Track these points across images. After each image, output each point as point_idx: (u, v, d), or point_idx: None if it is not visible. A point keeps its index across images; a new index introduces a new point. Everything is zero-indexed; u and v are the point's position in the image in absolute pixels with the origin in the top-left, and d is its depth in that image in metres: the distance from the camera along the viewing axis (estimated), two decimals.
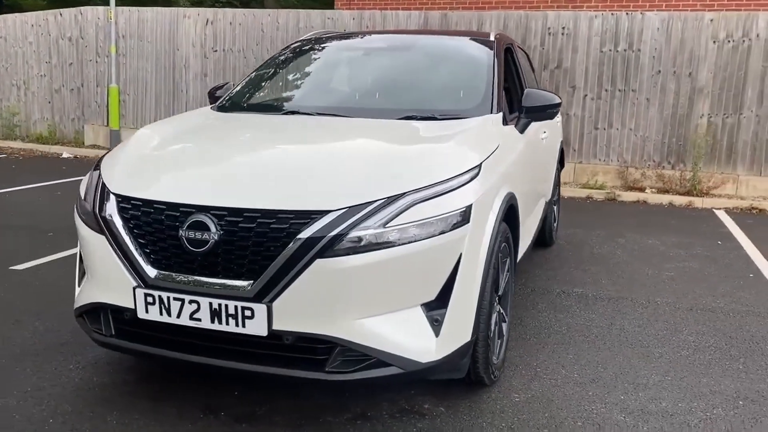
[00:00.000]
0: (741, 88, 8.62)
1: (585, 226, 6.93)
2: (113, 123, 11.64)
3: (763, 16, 8.47)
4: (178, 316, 2.56)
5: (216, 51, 10.97)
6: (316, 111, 3.55)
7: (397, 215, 2.48)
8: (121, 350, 2.89)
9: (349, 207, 2.46)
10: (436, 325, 2.58)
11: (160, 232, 2.59)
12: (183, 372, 3.24)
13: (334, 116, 3.48)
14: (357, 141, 3.10)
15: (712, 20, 8.63)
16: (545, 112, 3.73)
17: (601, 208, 8.26)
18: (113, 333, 2.80)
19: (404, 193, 2.53)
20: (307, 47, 4.39)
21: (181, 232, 2.53)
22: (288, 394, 3.04)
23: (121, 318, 2.76)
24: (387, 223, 2.46)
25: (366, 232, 2.44)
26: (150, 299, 2.59)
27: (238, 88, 4.11)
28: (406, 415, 2.89)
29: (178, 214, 2.56)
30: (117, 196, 2.72)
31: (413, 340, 2.55)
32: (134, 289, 2.61)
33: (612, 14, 9.02)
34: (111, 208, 2.70)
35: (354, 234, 2.43)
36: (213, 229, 2.49)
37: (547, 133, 4.77)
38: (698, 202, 8.41)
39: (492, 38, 4.21)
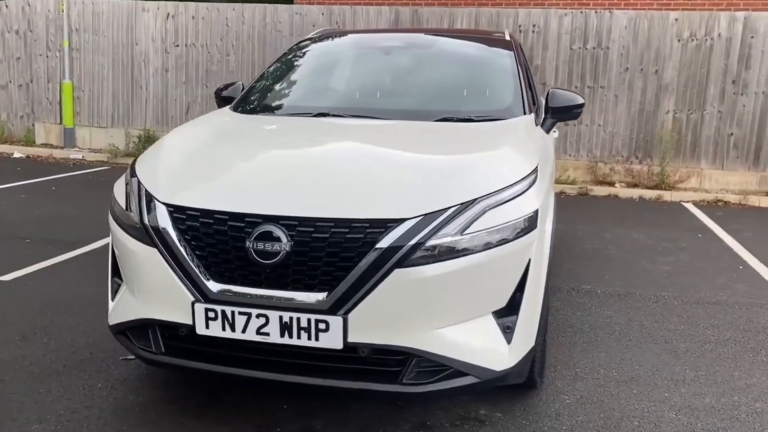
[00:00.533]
0: (704, 85, 8.93)
1: (567, 221, 7.03)
2: (67, 121, 11.13)
3: (724, 16, 8.80)
4: (243, 331, 2.45)
5: (178, 46, 10.61)
6: (349, 113, 3.46)
7: (472, 222, 2.43)
8: (171, 368, 2.74)
9: (425, 214, 2.40)
10: (508, 332, 2.55)
11: (222, 243, 2.46)
12: (221, 387, 3.10)
13: (370, 118, 3.40)
14: (410, 144, 3.03)
15: (676, 20, 8.91)
16: (571, 112, 3.75)
17: (575, 202, 8.42)
18: (163, 350, 2.65)
19: (475, 199, 2.49)
20: (320, 46, 4.28)
21: (247, 243, 2.41)
22: (338, 406, 2.96)
23: (173, 335, 2.62)
24: (464, 230, 2.41)
25: (444, 240, 2.38)
26: (211, 314, 2.46)
27: (255, 88, 3.96)
28: (467, 423, 2.86)
29: (243, 224, 2.43)
30: (169, 206, 2.57)
31: (487, 348, 2.51)
32: (193, 304, 2.47)
33: (581, 12, 9.20)
34: (163, 220, 2.54)
35: (433, 242, 2.37)
36: (284, 239, 2.38)
37: (556, 132, 4.81)
38: (667, 196, 8.69)
39: (508, 38, 4.20)
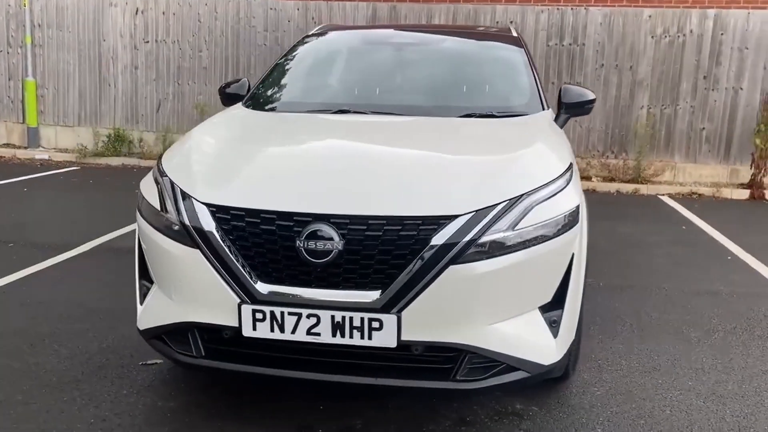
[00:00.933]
0: (677, 80, 9.16)
1: None
2: (31, 120, 10.74)
3: (695, 13, 9.03)
4: (293, 331, 2.40)
5: (148, 42, 10.35)
6: (370, 110, 3.42)
7: (522, 218, 2.44)
8: (209, 371, 2.67)
9: (476, 210, 2.40)
10: (554, 326, 2.57)
11: (270, 243, 2.41)
12: (252, 389, 3.04)
13: (393, 115, 3.37)
14: (445, 140, 3.02)
15: (650, 16, 9.11)
16: (584, 107, 3.80)
17: None
18: (203, 354, 2.58)
19: (521, 195, 2.49)
20: (327, 42, 4.23)
21: (297, 242, 2.36)
22: (375, 406, 2.93)
23: (213, 337, 2.56)
24: (515, 225, 2.42)
25: (496, 236, 2.38)
26: (259, 315, 2.41)
27: (266, 86, 3.88)
28: (506, 418, 2.87)
29: (292, 223, 2.39)
30: (210, 206, 2.50)
31: (536, 342, 2.52)
32: (239, 305, 2.41)
33: (557, 9, 9.32)
34: (205, 220, 2.47)
35: (486, 238, 2.36)
36: (336, 238, 2.34)
37: None
38: (643, 189, 8.88)
39: (515, 34, 4.23)
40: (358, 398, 2.96)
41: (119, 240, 5.57)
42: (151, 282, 2.80)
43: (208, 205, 2.50)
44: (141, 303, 2.85)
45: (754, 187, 8.71)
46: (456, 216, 2.37)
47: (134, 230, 5.79)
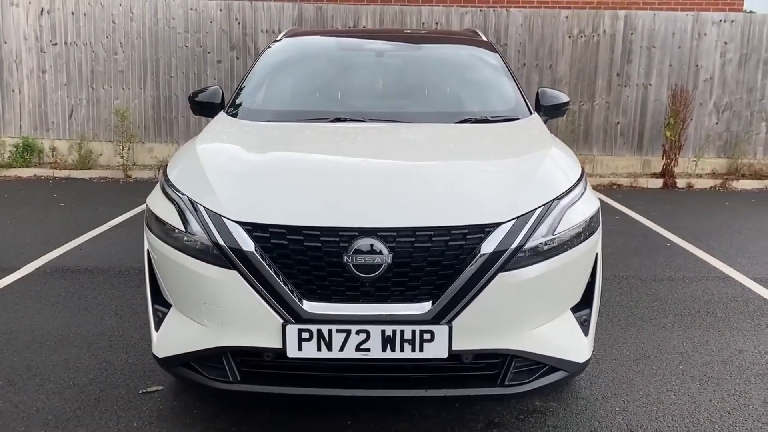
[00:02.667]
0: (593, 78, 9.67)
1: None
2: None
3: (608, 14, 9.56)
4: (341, 349, 2.36)
5: (56, 44, 9.69)
6: (368, 117, 3.38)
7: (559, 222, 2.51)
8: (246, 396, 2.58)
9: (518, 217, 2.44)
10: (585, 325, 2.67)
11: (315, 260, 2.34)
12: (272, 407, 2.95)
13: (392, 122, 3.35)
14: (462, 147, 3.04)
15: (567, 17, 9.55)
16: (560, 110, 3.94)
17: None
18: (239, 378, 2.48)
19: (553, 200, 2.56)
20: (299, 48, 4.14)
21: (345, 258, 2.32)
22: (399, 415, 2.92)
23: (246, 361, 2.47)
24: (554, 230, 2.49)
25: (540, 241, 2.45)
26: (305, 335, 2.34)
27: (247, 94, 3.74)
28: (531, 416, 2.94)
29: (338, 239, 2.34)
30: (245, 224, 2.39)
31: (571, 342, 2.61)
32: (283, 326, 2.34)
33: (480, 11, 9.58)
34: (242, 239, 2.37)
35: (531, 244, 2.42)
36: (385, 252, 2.32)
37: None
38: None
39: (485, 38, 4.32)
40: (386, 411, 2.94)
41: (64, 258, 5.19)
42: (167, 306, 2.66)
43: (242, 223, 2.40)
44: (157, 329, 2.69)
45: (667, 176, 9.34)
46: (500, 223, 2.41)
47: (76, 248, 5.50)
